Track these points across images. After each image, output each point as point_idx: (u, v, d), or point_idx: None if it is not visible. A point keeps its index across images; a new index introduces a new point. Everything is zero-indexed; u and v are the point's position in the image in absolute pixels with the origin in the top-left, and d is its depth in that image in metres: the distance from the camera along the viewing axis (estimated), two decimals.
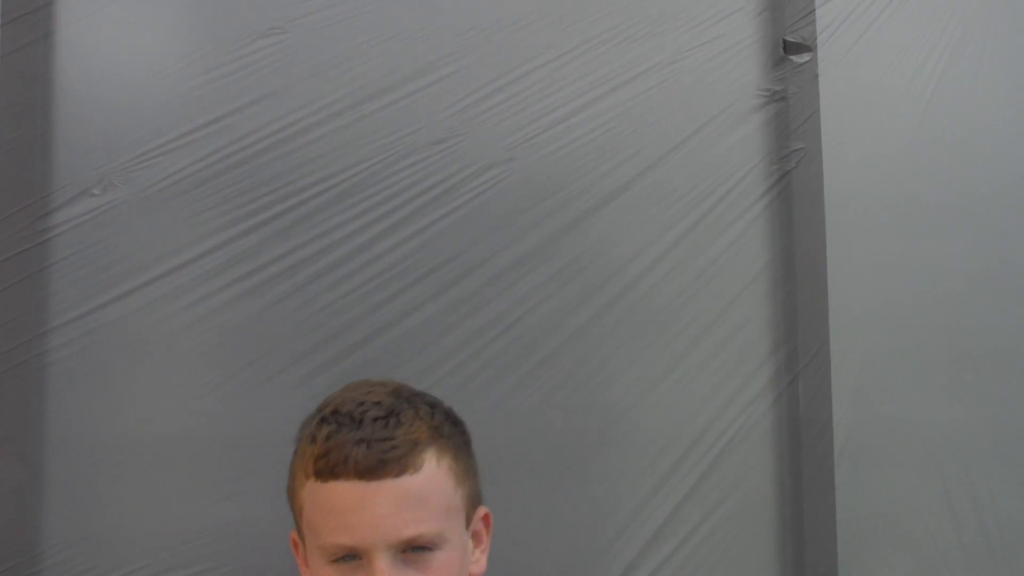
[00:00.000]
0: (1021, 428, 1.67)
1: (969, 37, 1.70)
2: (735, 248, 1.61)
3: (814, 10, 1.64)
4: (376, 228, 1.51)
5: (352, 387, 1.05)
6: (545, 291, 1.55)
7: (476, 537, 1.07)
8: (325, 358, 1.49)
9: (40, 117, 1.45)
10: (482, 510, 1.08)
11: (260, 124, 1.50)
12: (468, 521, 1.04)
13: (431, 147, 1.53)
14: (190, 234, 1.48)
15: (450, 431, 1.03)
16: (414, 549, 0.96)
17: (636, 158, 1.59)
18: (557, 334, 1.55)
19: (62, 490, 1.44)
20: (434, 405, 1.04)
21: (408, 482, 0.96)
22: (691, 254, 1.59)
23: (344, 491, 0.95)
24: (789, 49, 1.63)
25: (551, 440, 1.55)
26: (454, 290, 1.52)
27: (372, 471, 0.95)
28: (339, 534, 0.95)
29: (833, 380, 1.62)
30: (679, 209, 1.60)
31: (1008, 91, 1.71)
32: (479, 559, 1.08)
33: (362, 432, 0.96)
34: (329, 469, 0.96)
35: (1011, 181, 1.71)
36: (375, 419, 0.97)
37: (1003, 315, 1.70)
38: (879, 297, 1.65)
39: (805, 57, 1.63)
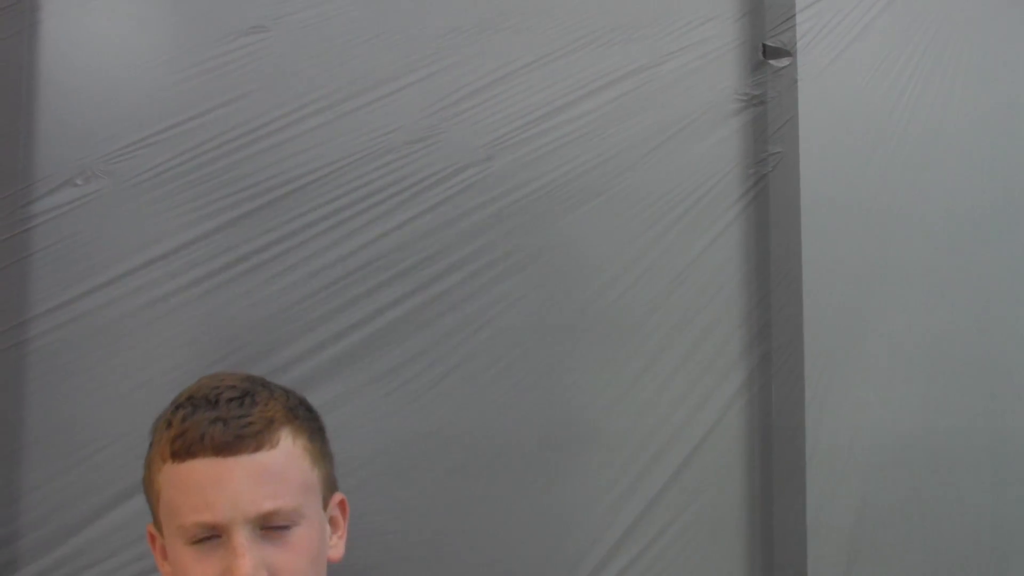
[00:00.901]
0: (993, 433, 1.68)
1: (948, 46, 1.71)
2: (711, 251, 1.62)
3: (794, 15, 1.65)
4: (353, 224, 1.53)
5: (205, 378, 1.06)
6: (519, 291, 1.56)
7: (333, 523, 1.09)
8: (300, 351, 1.51)
9: (24, 107, 1.48)
10: (338, 496, 1.10)
11: (241, 120, 1.52)
12: (325, 504, 1.05)
13: (409, 145, 1.55)
14: (170, 225, 1.50)
15: (304, 415, 1.05)
16: (274, 528, 0.96)
17: (614, 160, 1.60)
18: (531, 334, 1.56)
19: (39, 479, 1.46)
20: (288, 391, 1.06)
21: (265, 457, 0.97)
22: (667, 256, 1.60)
23: (202, 468, 0.96)
24: (769, 54, 1.64)
25: (523, 440, 1.56)
26: (429, 288, 1.54)
27: (229, 447, 0.96)
28: (198, 512, 0.95)
29: (806, 384, 1.62)
30: (656, 211, 1.61)
31: (985, 100, 1.71)
32: (336, 544, 1.09)
33: (218, 412, 0.98)
34: (186, 448, 0.97)
35: (988, 187, 1.71)
36: (230, 400, 0.99)
37: (978, 319, 1.70)
38: (853, 302, 1.66)
39: (784, 62, 1.64)
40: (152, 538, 1.07)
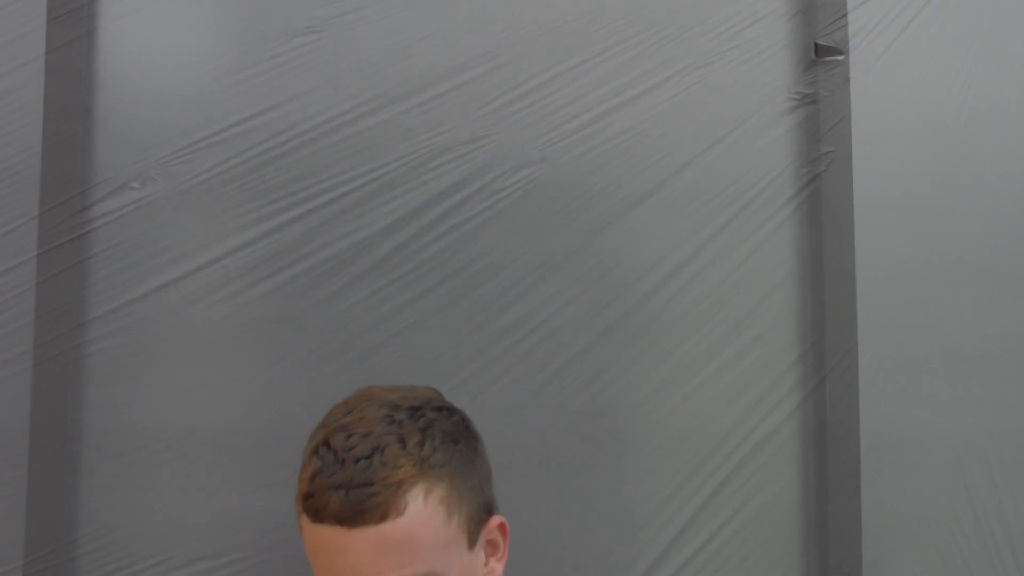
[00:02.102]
0: None
1: (1004, 43, 1.70)
2: (763, 251, 1.61)
3: (846, 14, 1.64)
4: (408, 227, 1.53)
5: (353, 402, 1.03)
6: (573, 291, 1.56)
7: (492, 546, 1.06)
8: (352, 355, 1.51)
9: (82, 112, 1.48)
10: (496, 519, 1.06)
11: (295, 121, 1.52)
12: (472, 542, 1.01)
13: (464, 146, 1.55)
14: (226, 229, 1.51)
15: (442, 458, 0.98)
16: None
17: (666, 160, 1.60)
18: (584, 334, 1.56)
19: (97, 479, 1.47)
20: (428, 429, 0.99)
21: (390, 528, 0.93)
22: (720, 256, 1.60)
23: (327, 535, 0.94)
24: (821, 52, 1.63)
25: (577, 440, 1.56)
26: (482, 289, 1.54)
27: (351, 519, 0.93)
28: (327, 575, 0.95)
29: (860, 384, 1.62)
30: (708, 211, 1.60)
31: None
32: (494, 568, 1.06)
33: (343, 475, 0.94)
34: (313, 512, 0.95)
35: None
36: (357, 460, 0.95)
37: None
38: (907, 302, 1.65)
39: (837, 60, 1.63)
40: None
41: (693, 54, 1.61)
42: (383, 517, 0.93)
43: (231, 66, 1.52)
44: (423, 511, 0.95)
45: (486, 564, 1.05)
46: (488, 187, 1.55)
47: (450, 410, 1.06)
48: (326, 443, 0.97)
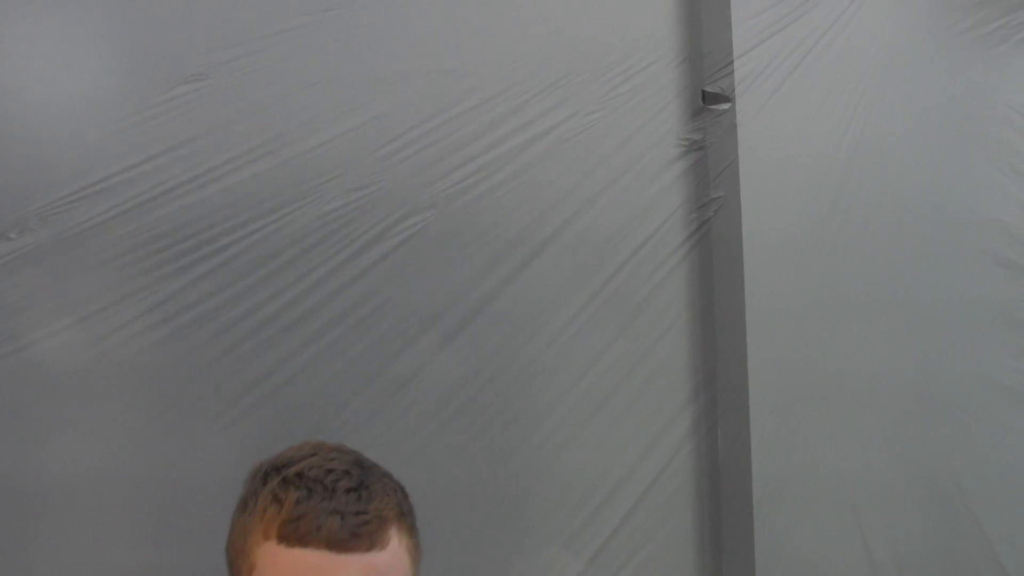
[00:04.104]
0: (938, 471, 1.70)
1: (883, 88, 1.75)
2: (656, 295, 1.63)
3: (732, 62, 1.68)
4: (295, 272, 1.51)
5: (309, 449, 1.03)
6: (467, 336, 1.56)
7: None
8: (246, 403, 1.48)
9: None
10: None
11: (180, 169, 1.50)
12: None
13: (352, 192, 1.54)
14: (108, 278, 1.47)
15: (408, 509, 1.03)
16: None
17: (556, 207, 1.61)
18: (481, 377, 1.56)
19: None
20: (392, 479, 1.03)
21: (375, 558, 0.95)
22: (612, 300, 1.61)
23: (312, 560, 0.93)
24: (708, 99, 1.67)
25: (475, 482, 1.55)
26: (372, 336, 1.53)
27: (343, 544, 0.93)
28: None
29: (752, 424, 1.64)
30: (600, 256, 1.62)
31: (917, 139, 1.76)
32: None
33: (335, 503, 0.95)
34: (298, 536, 0.94)
35: (925, 225, 1.75)
36: (347, 490, 0.96)
37: (921, 360, 1.73)
38: (796, 341, 1.68)
39: (724, 107, 1.67)
40: None
41: (582, 100, 1.63)
42: (371, 546, 0.94)
43: (113, 114, 1.49)
44: (400, 550, 0.98)
45: None
46: (377, 235, 1.54)
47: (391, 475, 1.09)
48: (300, 475, 0.97)
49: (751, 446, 1.63)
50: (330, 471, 0.98)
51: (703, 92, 1.66)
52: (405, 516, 1.01)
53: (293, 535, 0.94)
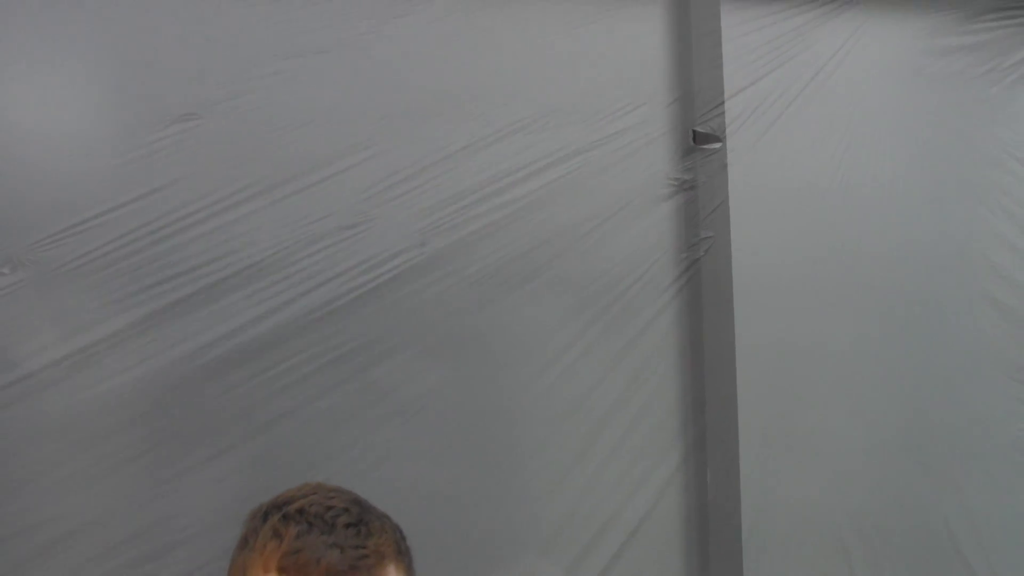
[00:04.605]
0: (926, 509, 1.69)
1: (873, 129, 1.76)
2: (645, 334, 1.63)
3: (723, 102, 1.69)
4: (285, 312, 1.52)
5: (309, 489, 1.06)
6: (455, 376, 1.56)
7: None
8: (230, 441, 1.49)
9: None
10: None
11: (171, 207, 1.51)
12: None
13: (343, 231, 1.55)
14: (96, 315, 1.48)
15: (405, 549, 1.05)
16: None
17: (548, 245, 1.61)
18: (467, 418, 1.56)
19: None
20: (390, 520, 1.06)
21: None
22: (601, 340, 1.61)
23: None
24: (699, 139, 1.67)
25: (461, 523, 1.55)
26: (362, 374, 1.53)
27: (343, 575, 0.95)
28: None
29: (741, 464, 1.63)
30: (590, 295, 1.62)
31: (908, 181, 1.76)
32: None
33: (335, 537, 0.97)
34: (298, 567, 0.96)
35: (916, 266, 1.75)
36: (347, 525, 0.99)
37: (909, 397, 1.73)
38: (785, 381, 1.68)
39: (714, 147, 1.67)
40: None
41: (572, 140, 1.64)
42: None
43: (106, 151, 1.51)
44: None
45: None
46: (366, 273, 1.54)
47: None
48: (301, 511, 1.00)
49: (740, 485, 1.62)
50: (330, 507, 1.01)
51: (694, 132, 1.67)
52: (402, 555, 1.03)
53: (293, 567, 0.96)
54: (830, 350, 1.69)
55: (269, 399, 1.50)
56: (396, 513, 1.07)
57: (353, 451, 1.51)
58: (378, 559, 0.98)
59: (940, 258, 1.75)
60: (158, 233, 1.50)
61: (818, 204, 1.71)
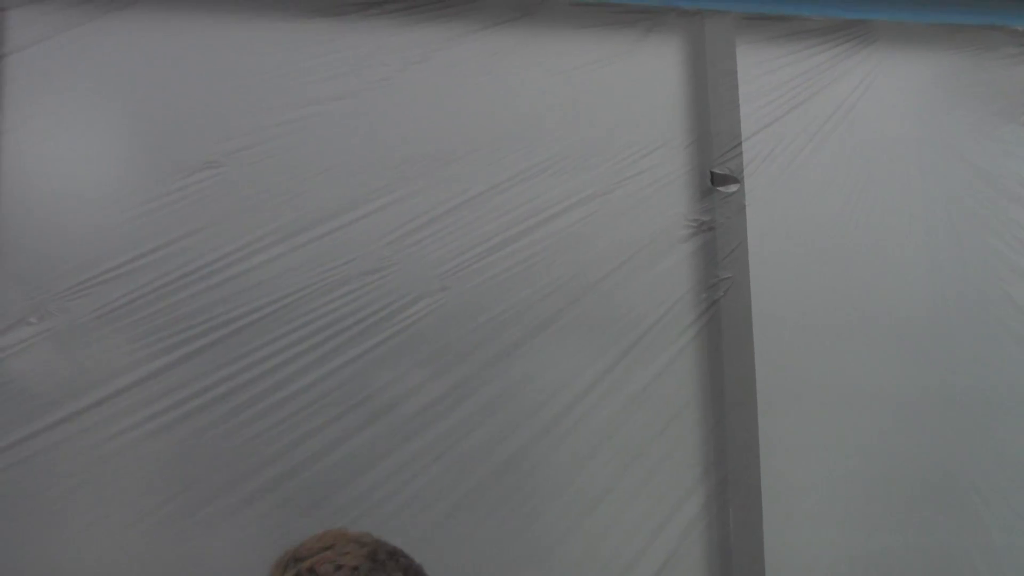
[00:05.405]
0: (948, 555, 1.68)
1: (887, 170, 1.76)
2: (665, 376, 1.63)
3: (740, 143, 1.69)
4: (309, 357, 1.53)
5: (328, 539, 1.06)
6: (476, 419, 1.57)
7: None
8: (257, 486, 1.50)
9: None
10: None
11: (195, 255, 1.53)
12: None
13: (365, 276, 1.56)
14: (124, 362, 1.50)
15: None
16: None
17: (567, 287, 1.62)
18: (488, 462, 1.56)
19: None
20: (407, 570, 1.05)
21: None
22: (621, 382, 1.62)
23: None
24: (716, 181, 1.68)
25: (484, 566, 1.55)
26: (386, 418, 1.54)
27: None
28: None
29: (764, 507, 1.63)
30: (610, 337, 1.62)
31: (925, 219, 1.76)
32: None
33: None
34: None
35: (933, 306, 1.74)
36: None
37: (931, 442, 1.71)
38: (808, 423, 1.67)
39: (732, 188, 1.68)
40: None
41: (592, 183, 1.65)
42: None
43: (130, 201, 1.53)
44: None
45: None
46: (389, 317, 1.56)
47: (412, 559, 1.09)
48: (311, 570, 1.00)
49: (763, 529, 1.62)
50: (339, 567, 1.00)
51: (712, 173, 1.68)
52: None
53: None
54: (851, 391, 1.69)
55: (295, 443, 1.51)
56: (418, 553, 1.08)
57: (377, 494, 1.52)
58: None
59: (959, 295, 1.74)
60: (182, 281, 1.52)
61: (836, 243, 1.72)
